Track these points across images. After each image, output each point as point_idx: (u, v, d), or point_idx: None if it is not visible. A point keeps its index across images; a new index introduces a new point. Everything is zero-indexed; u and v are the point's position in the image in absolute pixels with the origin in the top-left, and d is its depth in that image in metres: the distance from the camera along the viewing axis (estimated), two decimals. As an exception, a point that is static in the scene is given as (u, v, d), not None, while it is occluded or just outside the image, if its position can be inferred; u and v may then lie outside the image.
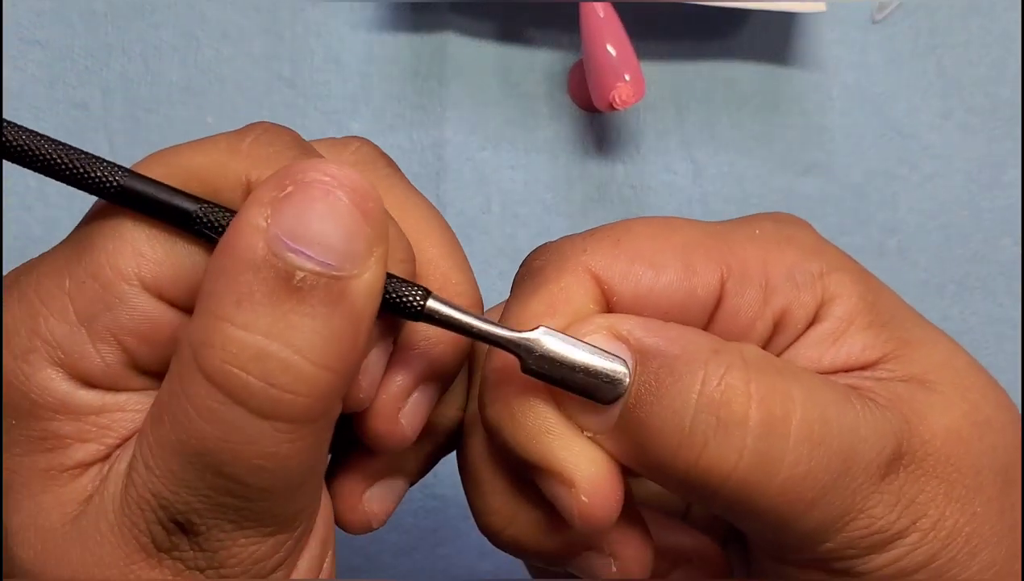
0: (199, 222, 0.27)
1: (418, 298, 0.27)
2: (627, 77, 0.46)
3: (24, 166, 0.27)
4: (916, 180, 0.52)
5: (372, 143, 0.31)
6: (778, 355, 0.30)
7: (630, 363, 0.27)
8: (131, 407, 0.28)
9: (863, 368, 0.29)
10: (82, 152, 0.27)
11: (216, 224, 0.27)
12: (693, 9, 0.50)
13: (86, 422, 0.27)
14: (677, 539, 0.34)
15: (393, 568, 0.51)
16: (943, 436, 0.28)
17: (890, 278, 0.38)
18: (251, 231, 0.25)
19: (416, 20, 0.51)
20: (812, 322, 0.30)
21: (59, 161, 0.27)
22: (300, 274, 0.24)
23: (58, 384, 0.27)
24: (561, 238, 0.30)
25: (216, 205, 0.27)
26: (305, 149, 0.29)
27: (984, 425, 0.29)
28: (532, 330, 0.27)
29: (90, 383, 0.27)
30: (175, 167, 0.27)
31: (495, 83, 0.51)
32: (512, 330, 0.28)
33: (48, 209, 0.50)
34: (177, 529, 0.26)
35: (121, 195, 0.27)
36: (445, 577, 0.51)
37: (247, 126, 0.29)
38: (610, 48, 0.46)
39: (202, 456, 0.25)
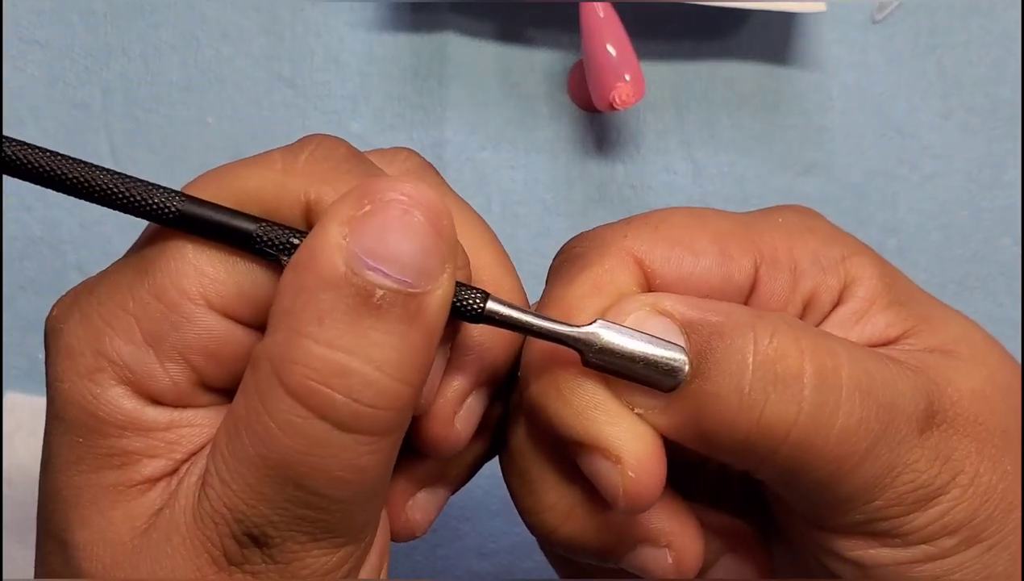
0: (259, 242, 0.27)
1: (478, 300, 0.28)
2: (627, 77, 0.46)
3: (81, 198, 0.28)
4: (916, 180, 0.52)
5: (419, 154, 0.32)
6: None
7: (686, 347, 0.28)
8: (198, 422, 0.28)
9: (886, 344, 0.31)
10: (138, 180, 0.28)
11: (277, 243, 0.27)
12: (693, 9, 0.50)
13: (154, 438, 0.28)
14: (719, 524, 0.34)
15: (393, 569, 0.51)
16: (969, 398, 0.29)
17: (890, 278, 0.38)
18: (331, 249, 0.25)
19: (416, 20, 0.51)
20: (837, 303, 0.31)
21: (116, 191, 0.27)
22: (379, 292, 0.25)
23: (126, 402, 0.27)
24: (599, 227, 0.31)
25: (274, 224, 0.27)
26: (360, 161, 0.29)
27: (1006, 389, 0.30)
28: (590, 324, 0.28)
29: (157, 401, 0.28)
30: (232, 189, 0.28)
31: (495, 83, 0.51)
32: (571, 325, 0.28)
33: (48, 209, 0.50)
34: (250, 542, 0.26)
35: (180, 220, 0.27)
36: (445, 577, 0.51)
37: (301, 140, 0.29)
38: (610, 48, 0.46)
39: (282, 469, 0.26)
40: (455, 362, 0.30)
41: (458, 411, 0.30)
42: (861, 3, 0.52)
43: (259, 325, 0.28)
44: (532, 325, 0.28)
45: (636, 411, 0.28)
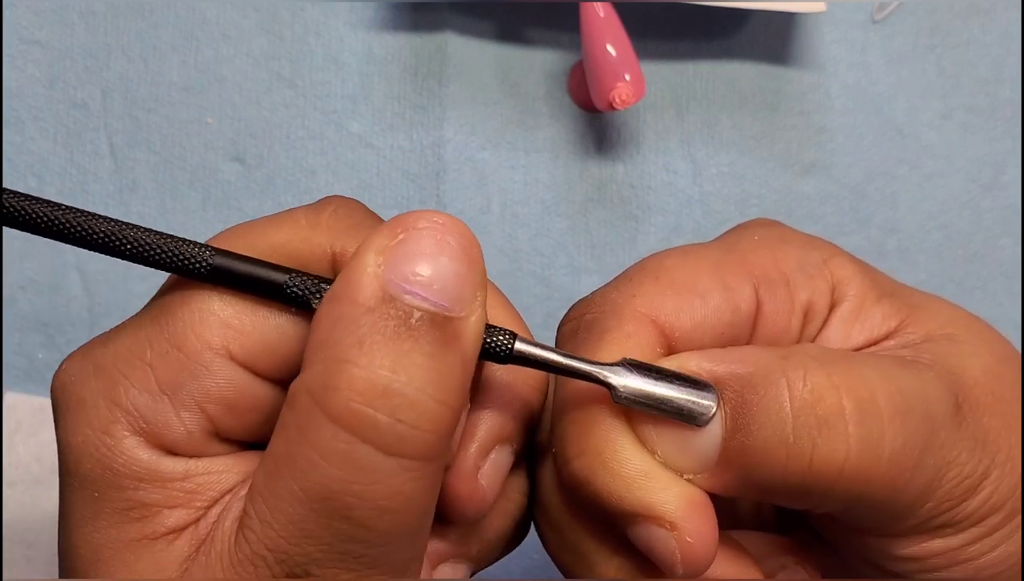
0: (290, 290, 0.28)
1: (506, 340, 0.28)
2: (627, 77, 0.46)
3: (112, 255, 0.28)
4: (916, 180, 0.52)
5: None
6: (812, 342, 0.31)
7: (721, 420, 0.28)
8: (214, 470, 0.28)
9: (887, 337, 0.31)
10: (168, 235, 0.28)
11: (308, 291, 0.28)
12: (693, 9, 0.50)
13: (172, 488, 0.28)
14: (767, 545, 0.34)
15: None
16: (984, 377, 0.30)
17: (890, 278, 0.38)
18: (368, 277, 0.26)
19: (416, 20, 0.51)
20: (832, 305, 0.31)
21: (148, 246, 0.28)
22: (417, 314, 0.25)
23: (141, 453, 0.27)
24: (602, 290, 0.31)
25: (305, 274, 0.28)
26: (379, 221, 0.30)
27: (1006, 361, 0.31)
28: (616, 362, 0.28)
29: (172, 451, 0.28)
30: (260, 244, 0.28)
31: (495, 83, 0.51)
32: (598, 362, 0.28)
33: (48, 209, 0.50)
34: None
35: (213, 274, 0.28)
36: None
37: (322, 201, 0.30)
38: (610, 48, 0.46)
39: (327, 501, 0.25)
40: (477, 412, 0.30)
41: (482, 465, 0.30)
42: (861, 3, 0.52)
43: (278, 379, 0.29)
44: (561, 363, 0.28)
45: (685, 478, 0.28)
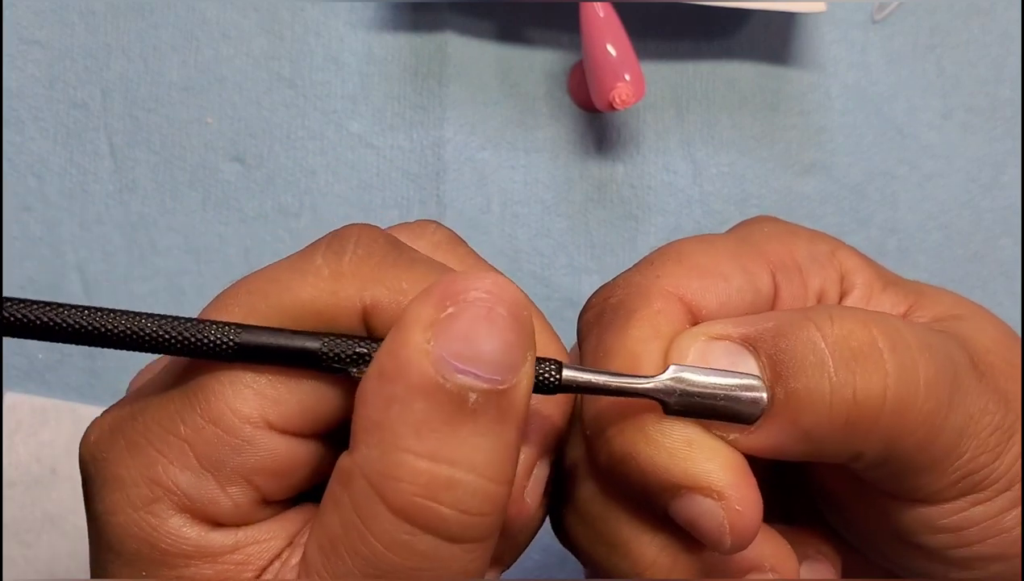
0: (326, 358, 0.27)
1: (554, 372, 0.27)
2: (627, 77, 0.46)
3: (131, 349, 0.27)
4: (916, 180, 0.52)
5: (445, 226, 0.32)
6: None
7: (759, 368, 0.28)
8: (262, 537, 0.28)
9: None
10: (187, 320, 0.27)
11: (344, 356, 0.27)
12: (693, 9, 0.50)
13: (223, 561, 0.27)
14: (795, 536, 0.34)
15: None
16: (994, 346, 0.31)
17: (890, 278, 0.38)
18: (418, 356, 0.25)
19: (416, 20, 0.51)
20: (843, 293, 0.32)
21: (168, 336, 0.27)
22: (473, 396, 0.25)
23: (189, 530, 0.27)
24: (625, 274, 0.31)
25: (338, 336, 0.27)
26: (400, 250, 0.29)
27: (1013, 338, 0.32)
28: (663, 373, 0.28)
29: (220, 523, 0.27)
30: (284, 305, 0.27)
31: (495, 83, 0.51)
32: (649, 378, 0.27)
33: (48, 209, 0.50)
34: None
35: (240, 353, 0.26)
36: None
37: (339, 235, 0.29)
38: (610, 48, 0.46)
39: None
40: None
41: (526, 485, 0.29)
42: (861, 3, 0.52)
43: (319, 435, 0.28)
44: (611, 386, 0.27)
45: (732, 437, 0.28)
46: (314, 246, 0.28)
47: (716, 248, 0.31)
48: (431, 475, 0.25)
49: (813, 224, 0.51)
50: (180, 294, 0.50)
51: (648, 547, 0.30)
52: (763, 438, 0.28)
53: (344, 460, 0.26)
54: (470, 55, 0.51)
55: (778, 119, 0.51)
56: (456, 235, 0.32)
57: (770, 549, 0.30)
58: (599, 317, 0.30)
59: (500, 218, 0.51)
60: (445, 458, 0.25)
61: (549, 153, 0.51)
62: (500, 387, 0.25)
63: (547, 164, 0.51)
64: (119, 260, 0.50)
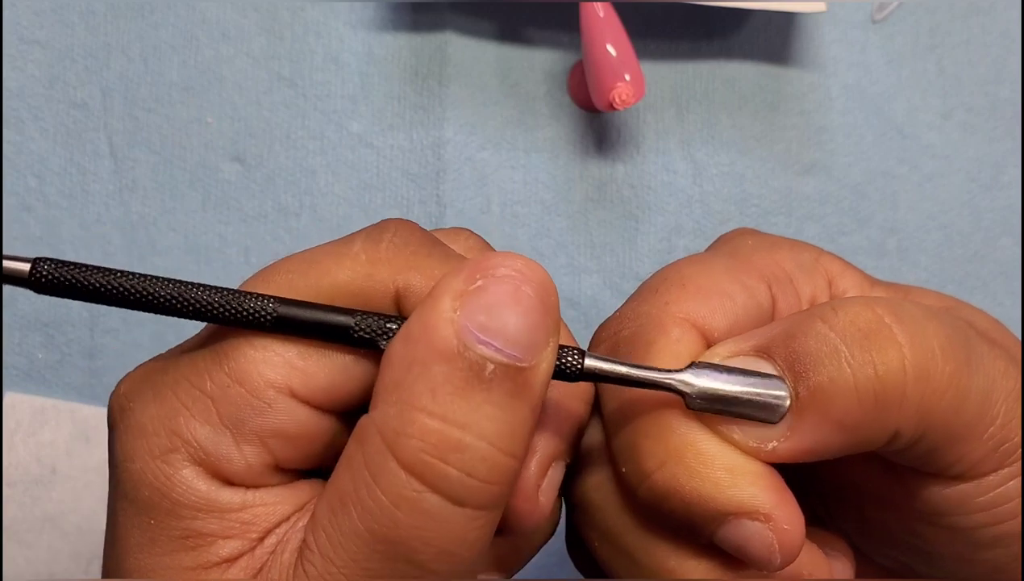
0: (357, 333, 0.28)
1: (577, 359, 0.28)
2: (627, 77, 0.46)
3: (175, 315, 0.28)
4: (916, 180, 0.52)
5: (477, 234, 0.33)
6: None
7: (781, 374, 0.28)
8: (270, 501, 0.28)
9: None
10: (229, 290, 0.28)
11: (376, 333, 0.28)
12: (693, 9, 0.50)
13: (229, 519, 0.28)
14: (821, 538, 0.34)
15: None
16: (991, 327, 0.31)
17: (890, 278, 0.38)
18: (444, 322, 0.26)
19: (416, 20, 0.51)
20: (835, 296, 0.33)
21: (211, 304, 0.28)
22: (490, 367, 0.25)
23: (200, 484, 0.28)
24: (631, 304, 0.31)
25: (370, 313, 0.28)
26: (436, 245, 0.30)
27: (1004, 327, 0.32)
28: (684, 367, 0.28)
29: (231, 481, 0.28)
30: (323, 286, 0.28)
31: (495, 83, 0.51)
32: (668, 370, 0.28)
33: (48, 209, 0.50)
34: None
35: (277, 324, 0.28)
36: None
37: (378, 227, 0.30)
38: (610, 48, 0.46)
39: (393, 545, 0.26)
40: (535, 431, 0.30)
41: (541, 483, 0.30)
42: (861, 3, 0.52)
43: (340, 411, 0.29)
44: (632, 376, 0.28)
45: (770, 447, 0.28)
46: (354, 234, 0.29)
47: (714, 268, 0.31)
48: (441, 435, 0.25)
49: (813, 224, 0.52)
50: (180, 294, 0.50)
51: (694, 573, 0.30)
52: (799, 441, 0.28)
53: (363, 420, 0.27)
54: (470, 55, 0.51)
55: (778, 119, 0.51)
56: (488, 243, 0.33)
57: (806, 557, 0.30)
58: (614, 352, 0.31)
59: (500, 218, 0.51)
60: (457, 421, 0.25)
61: (549, 153, 0.51)
62: (518, 364, 0.26)
63: (547, 164, 0.51)
64: (119, 260, 0.50)
